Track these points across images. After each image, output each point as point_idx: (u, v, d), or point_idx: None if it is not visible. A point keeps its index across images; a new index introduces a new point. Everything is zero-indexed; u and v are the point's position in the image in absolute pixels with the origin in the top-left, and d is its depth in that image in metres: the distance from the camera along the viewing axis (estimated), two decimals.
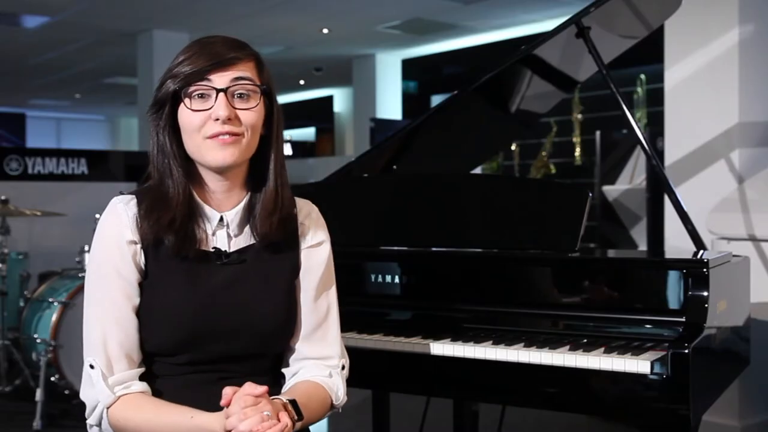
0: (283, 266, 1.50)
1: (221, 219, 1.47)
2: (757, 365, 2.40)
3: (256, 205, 1.47)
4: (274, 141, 1.48)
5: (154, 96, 1.44)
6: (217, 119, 1.39)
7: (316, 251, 1.55)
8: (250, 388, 1.29)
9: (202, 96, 1.40)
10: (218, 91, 1.39)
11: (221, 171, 1.44)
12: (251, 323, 1.45)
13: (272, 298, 1.48)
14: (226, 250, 1.46)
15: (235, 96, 1.41)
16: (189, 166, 1.45)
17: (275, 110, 1.48)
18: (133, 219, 1.42)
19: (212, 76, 1.40)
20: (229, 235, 1.48)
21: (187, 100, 1.41)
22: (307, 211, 1.57)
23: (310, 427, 1.54)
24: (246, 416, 1.25)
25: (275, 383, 1.52)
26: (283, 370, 1.55)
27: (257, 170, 1.49)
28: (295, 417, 1.35)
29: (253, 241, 1.48)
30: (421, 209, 2.19)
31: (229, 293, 1.44)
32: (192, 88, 1.40)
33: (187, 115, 1.41)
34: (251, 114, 1.42)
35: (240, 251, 1.47)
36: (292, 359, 1.54)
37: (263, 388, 1.30)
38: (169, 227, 1.40)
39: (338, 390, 1.52)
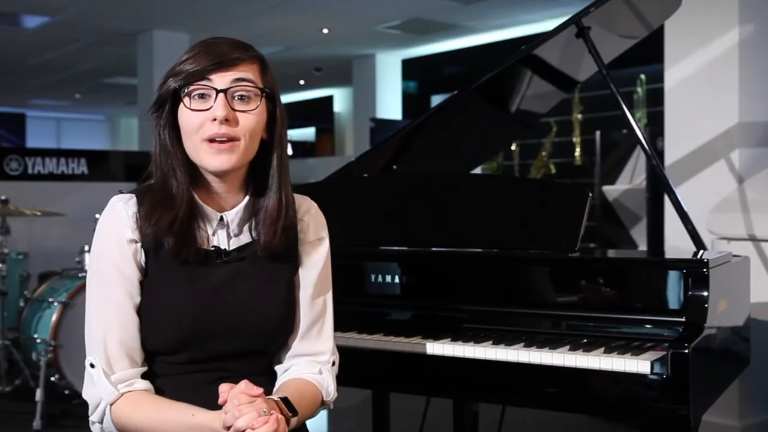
0: (282, 263, 1.50)
1: (221, 219, 1.47)
2: (757, 365, 2.40)
3: (258, 209, 1.47)
4: (277, 145, 1.48)
5: (156, 93, 1.44)
6: (215, 119, 1.38)
7: (315, 248, 1.55)
8: (247, 388, 1.29)
9: (201, 96, 1.40)
10: (218, 91, 1.39)
11: (218, 174, 1.44)
12: (251, 321, 1.45)
13: (272, 296, 1.48)
14: (226, 249, 1.47)
15: (235, 97, 1.41)
16: (190, 166, 1.45)
17: (278, 114, 1.48)
18: (133, 217, 1.42)
19: (213, 76, 1.39)
20: (229, 235, 1.48)
21: (186, 100, 1.40)
22: (307, 208, 1.57)
23: (309, 427, 1.54)
24: (241, 413, 1.25)
25: (272, 381, 1.52)
26: (276, 367, 1.55)
27: (258, 173, 1.48)
28: (290, 414, 1.35)
29: (252, 239, 1.48)
30: (421, 209, 2.19)
31: (228, 291, 1.45)
32: (192, 88, 1.40)
33: (186, 115, 1.41)
34: (250, 117, 1.41)
35: (239, 249, 1.47)
36: (286, 356, 1.54)
37: (260, 390, 1.30)
38: (170, 229, 1.40)
39: (328, 386, 1.53)
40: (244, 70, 1.41)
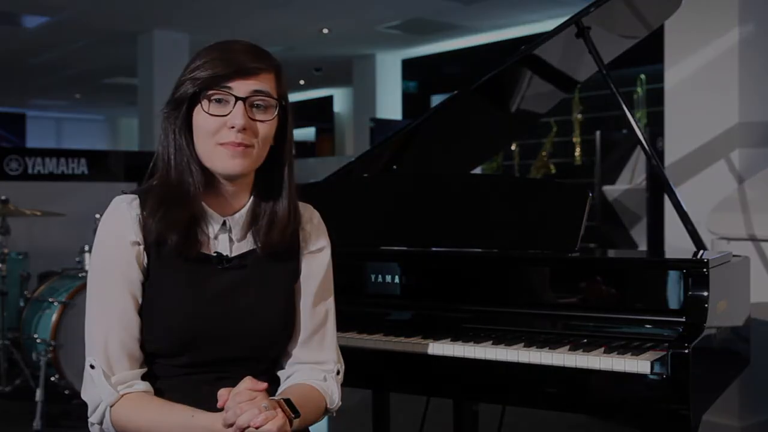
0: (283, 271, 1.51)
1: (224, 223, 1.47)
2: (757, 365, 2.39)
3: (263, 214, 1.48)
4: (288, 153, 1.49)
5: (171, 95, 1.44)
6: (233, 127, 1.39)
7: (316, 257, 1.55)
8: (252, 384, 1.29)
9: (219, 101, 1.40)
10: (237, 99, 1.39)
11: (228, 177, 1.44)
12: (251, 327, 1.45)
13: (272, 303, 1.48)
14: (227, 255, 1.47)
15: (253, 106, 1.41)
16: (202, 167, 1.45)
17: (289, 122, 1.49)
18: (136, 219, 1.42)
19: (233, 84, 1.40)
20: (231, 239, 1.48)
21: (204, 103, 1.40)
22: (309, 216, 1.57)
23: (310, 428, 1.54)
24: (242, 410, 1.25)
25: (273, 386, 1.51)
26: (278, 373, 1.55)
27: (263, 178, 1.49)
28: (292, 415, 1.35)
29: (254, 247, 1.48)
30: (421, 209, 2.19)
31: (229, 298, 1.45)
32: (211, 92, 1.40)
33: (203, 118, 1.41)
34: (266, 126, 1.43)
35: (241, 256, 1.47)
36: (288, 363, 1.54)
37: (263, 385, 1.30)
38: (175, 225, 1.40)
39: (333, 394, 1.52)
40: (262, 82, 1.42)
